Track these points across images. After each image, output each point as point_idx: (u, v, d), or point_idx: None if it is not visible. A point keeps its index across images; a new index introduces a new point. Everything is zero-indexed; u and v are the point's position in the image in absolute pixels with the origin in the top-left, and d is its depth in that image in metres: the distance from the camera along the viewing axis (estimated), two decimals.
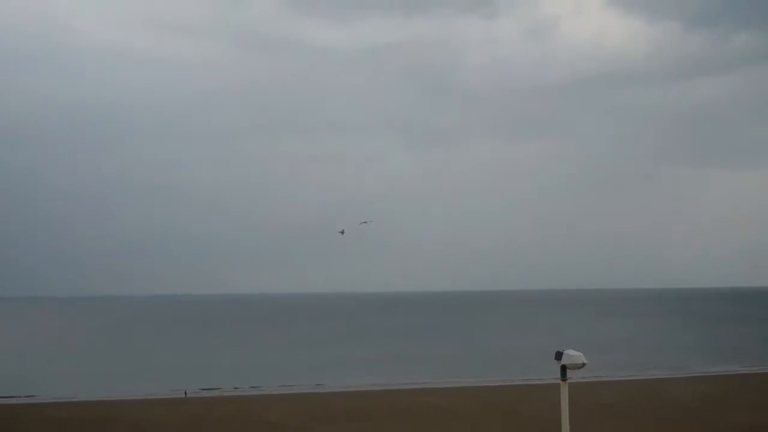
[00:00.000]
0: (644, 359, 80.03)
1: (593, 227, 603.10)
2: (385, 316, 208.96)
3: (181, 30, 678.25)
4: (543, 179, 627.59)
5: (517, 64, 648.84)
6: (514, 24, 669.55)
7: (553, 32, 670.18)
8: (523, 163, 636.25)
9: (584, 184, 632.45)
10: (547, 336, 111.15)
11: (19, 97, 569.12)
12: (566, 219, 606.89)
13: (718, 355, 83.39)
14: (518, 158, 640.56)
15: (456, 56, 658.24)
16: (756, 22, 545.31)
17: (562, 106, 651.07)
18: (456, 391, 55.19)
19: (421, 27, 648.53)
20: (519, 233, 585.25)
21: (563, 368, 15.84)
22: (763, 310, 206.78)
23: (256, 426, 39.57)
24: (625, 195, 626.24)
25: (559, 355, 15.90)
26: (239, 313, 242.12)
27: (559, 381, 15.95)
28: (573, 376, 15.96)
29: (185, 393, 56.53)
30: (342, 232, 65.35)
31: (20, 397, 56.68)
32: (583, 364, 15.78)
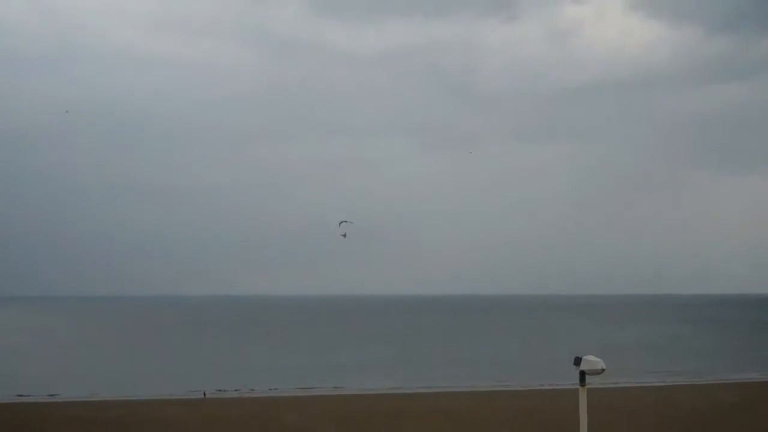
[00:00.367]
0: (662, 366, 79.67)
1: (611, 232, 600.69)
2: (400, 319, 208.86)
3: (202, 32, 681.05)
4: (561, 183, 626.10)
5: (538, 67, 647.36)
6: (535, 28, 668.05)
7: (575, 36, 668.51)
8: (541, 167, 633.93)
9: (603, 189, 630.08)
10: (564, 341, 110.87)
11: (30, 98, 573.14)
12: (583, 224, 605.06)
13: (736, 363, 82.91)
14: (537, 162, 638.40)
15: (476, 60, 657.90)
16: None
17: (583, 111, 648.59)
18: (473, 395, 55.19)
19: (442, 30, 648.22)
20: (537, 237, 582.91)
21: (582, 374, 15.90)
22: None
23: (273, 428, 39.76)
24: (644, 200, 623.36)
25: (578, 361, 15.96)
26: (255, 314, 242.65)
27: (578, 386, 16.01)
28: (592, 381, 16.01)
29: (204, 394, 56.86)
30: (344, 236, 65.83)
31: (35, 396, 57.15)
32: (602, 370, 15.83)
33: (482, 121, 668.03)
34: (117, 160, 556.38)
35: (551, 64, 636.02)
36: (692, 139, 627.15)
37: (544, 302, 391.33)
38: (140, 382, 66.02)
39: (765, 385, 61.20)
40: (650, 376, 68.92)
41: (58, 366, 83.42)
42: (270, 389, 61.15)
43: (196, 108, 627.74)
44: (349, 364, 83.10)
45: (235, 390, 59.71)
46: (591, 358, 15.86)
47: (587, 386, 15.65)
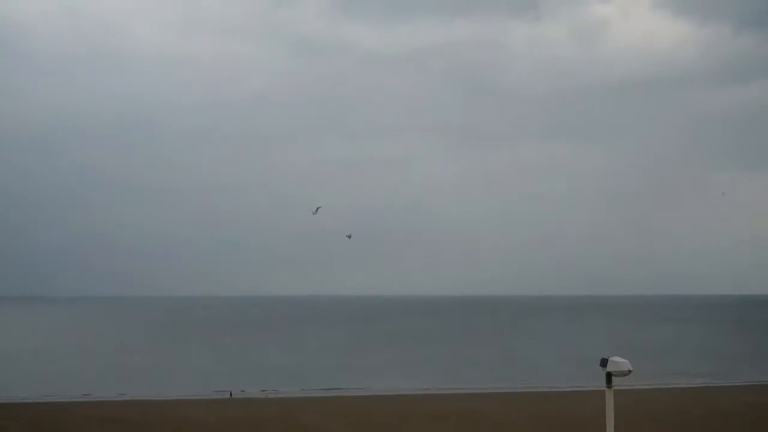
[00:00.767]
0: (689, 367, 79.01)
1: (637, 232, 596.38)
2: (423, 319, 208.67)
3: (224, 33, 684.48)
4: (587, 183, 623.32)
5: (563, 67, 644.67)
6: (560, 27, 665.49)
7: (600, 35, 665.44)
8: (566, 167, 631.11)
9: (630, 189, 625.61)
10: (589, 342, 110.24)
11: (52, 100, 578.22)
12: (610, 224, 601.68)
13: (764, 364, 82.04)
14: (562, 161, 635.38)
15: (501, 59, 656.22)
16: None
17: (608, 110, 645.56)
18: (498, 396, 54.96)
19: (466, 29, 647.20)
20: (562, 237, 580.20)
21: (608, 375, 15.78)
22: None
23: (298, 429, 39.77)
24: (670, 199, 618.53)
25: (604, 362, 15.84)
26: (280, 314, 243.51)
27: (604, 388, 15.87)
28: (618, 383, 15.86)
29: (230, 394, 57.08)
30: (349, 237, 66.10)
31: (62, 396, 57.61)
32: (629, 371, 15.71)
33: (507, 121, 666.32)
34: (141, 161, 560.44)
35: (577, 63, 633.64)
36: (719, 138, 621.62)
37: (570, 303, 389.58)
38: (166, 382, 66.40)
39: None
40: (678, 378, 68.32)
41: (84, 366, 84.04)
42: (293, 390, 61.23)
43: (221, 109, 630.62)
44: (371, 365, 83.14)
45: (263, 390, 59.84)
46: (617, 359, 15.74)
47: (614, 388, 15.50)
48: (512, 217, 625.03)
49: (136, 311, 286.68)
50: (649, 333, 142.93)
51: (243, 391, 59.21)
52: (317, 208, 56.83)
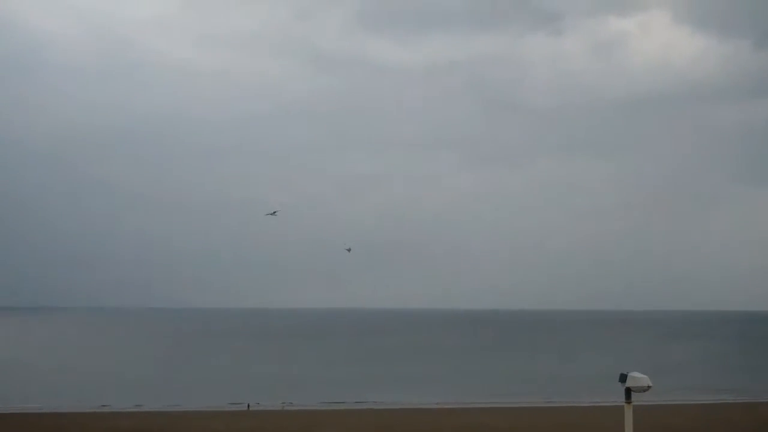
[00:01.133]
0: (709, 383, 78.33)
1: (656, 246, 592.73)
2: (444, 333, 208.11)
3: (243, 45, 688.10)
4: (606, 197, 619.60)
5: (583, 81, 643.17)
6: (579, 41, 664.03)
7: (620, 50, 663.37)
8: (586, 181, 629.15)
9: (647, 203, 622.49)
10: (609, 357, 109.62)
11: (81, 111, 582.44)
12: (627, 238, 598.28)
13: None
14: (580, 176, 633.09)
15: (521, 73, 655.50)
16: None
17: (628, 124, 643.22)
18: (516, 411, 54.65)
19: (486, 44, 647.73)
20: (581, 251, 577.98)
21: (628, 390, 15.68)
22: None
23: None
24: (689, 213, 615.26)
25: (623, 378, 15.75)
26: (302, 327, 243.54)
27: (623, 403, 15.78)
28: (638, 399, 15.76)
29: (248, 406, 57.10)
30: (349, 250, 66.19)
31: (80, 406, 57.82)
32: (648, 387, 15.60)
33: (527, 135, 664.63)
34: (161, 171, 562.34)
35: (595, 77, 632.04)
36: (737, 152, 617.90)
37: (589, 317, 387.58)
38: (184, 393, 66.50)
39: None
40: (698, 394, 67.73)
41: (102, 376, 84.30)
42: (311, 402, 61.15)
43: (242, 121, 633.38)
44: (390, 378, 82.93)
45: (282, 402, 59.78)
46: (637, 374, 15.65)
47: (633, 403, 15.40)
48: (529, 230, 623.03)
49: (150, 322, 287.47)
50: (668, 348, 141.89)
51: (258, 403, 59.14)
52: (274, 212, 57.25)
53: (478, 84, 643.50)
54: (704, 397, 65.29)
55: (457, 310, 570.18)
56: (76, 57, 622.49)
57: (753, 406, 58.37)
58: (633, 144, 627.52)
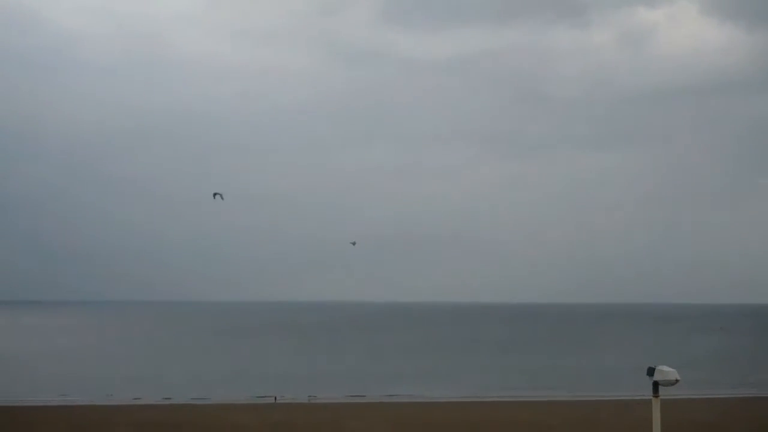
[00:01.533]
0: (739, 376, 77.76)
1: (682, 240, 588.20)
2: (468, 326, 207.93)
3: (271, 40, 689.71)
4: (633, 190, 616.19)
5: (610, 73, 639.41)
6: (606, 32, 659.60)
7: (648, 41, 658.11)
8: (613, 174, 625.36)
9: (676, 196, 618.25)
10: (636, 351, 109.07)
11: (102, 108, 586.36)
12: (656, 231, 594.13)
13: None
14: (608, 168, 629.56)
15: (547, 65, 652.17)
16: None
17: (655, 116, 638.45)
18: (541, 405, 54.57)
19: (512, 37, 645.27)
20: (609, 245, 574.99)
21: (655, 384, 15.64)
22: None
23: None
24: (717, 207, 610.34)
25: (651, 371, 15.72)
26: (325, 320, 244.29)
27: (651, 397, 15.75)
28: (665, 392, 15.72)
29: (275, 399, 57.37)
30: (353, 244, 66.21)
31: (103, 399, 58.39)
32: (676, 381, 15.56)
33: (554, 128, 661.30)
34: (192, 167, 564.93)
35: (623, 69, 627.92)
36: (766, 144, 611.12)
37: (617, 311, 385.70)
38: (211, 386, 66.96)
39: None
40: (728, 388, 67.24)
41: (131, 369, 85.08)
42: (338, 395, 61.38)
43: (266, 116, 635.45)
44: (417, 372, 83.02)
45: (309, 396, 60.08)
46: (664, 368, 15.61)
47: (661, 397, 15.37)
48: (554, 223, 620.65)
49: (172, 316, 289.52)
50: (695, 341, 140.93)
51: (284, 396, 59.43)
52: (216, 194, 57.32)
53: (503, 76, 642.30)
54: (732, 391, 64.79)
55: (482, 303, 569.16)
56: (103, 55, 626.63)
57: None
58: (661, 136, 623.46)
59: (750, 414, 48.17)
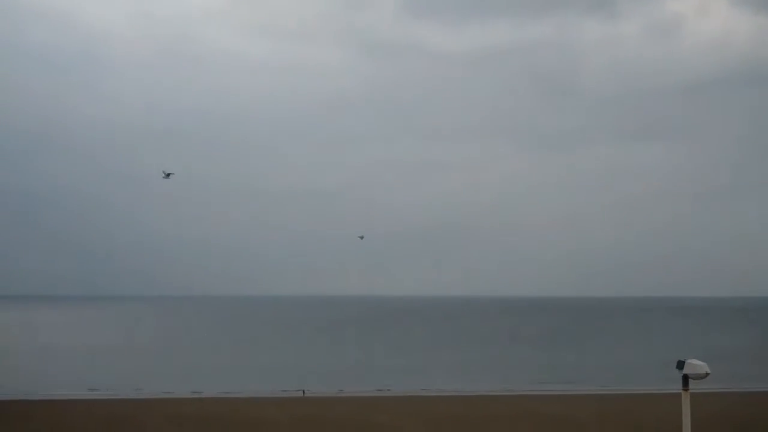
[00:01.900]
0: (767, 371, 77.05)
1: (714, 232, 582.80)
2: (496, 319, 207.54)
3: (298, 36, 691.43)
4: (664, 183, 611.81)
5: (639, 65, 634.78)
6: (635, 24, 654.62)
7: (677, 32, 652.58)
8: (645, 166, 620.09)
9: (707, 188, 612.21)
10: (666, 344, 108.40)
11: (133, 103, 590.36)
12: (683, 225, 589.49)
13: None
14: (638, 161, 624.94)
15: (576, 58, 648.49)
16: None
17: (685, 108, 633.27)
18: (571, 398, 54.41)
19: (540, 30, 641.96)
20: (641, 238, 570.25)
21: (685, 378, 15.56)
22: None
23: (372, 428, 39.90)
24: (749, 199, 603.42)
25: (681, 365, 15.63)
26: (354, 314, 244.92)
27: (681, 391, 15.66)
28: (695, 386, 15.62)
29: (303, 392, 57.58)
30: (362, 237, 66.11)
31: (134, 393, 58.89)
32: (706, 374, 15.47)
33: (584, 121, 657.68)
34: (222, 162, 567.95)
35: (652, 61, 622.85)
36: None
37: (647, 304, 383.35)
38: (240, 380, 67.37)
39: None
40: (756, 382, 66.60)
41: (159, 363, 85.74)
42: (366, 389, 61.52)
43: (296, 111, 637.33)
44: (443, 364, 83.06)
45: (339, 390, 60.26)
46: (694, 361, 15.52)
47: (690, 391, 15.28)
48: (584, 217, 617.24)
49: (194, 310, 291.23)
50: (725, 335, 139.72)
51: (310, 391, 59.61)
52: (168, 174, 57.65)
53: (531, 70, 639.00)
54: (763, 386, 64.16)
55: (509, 297, 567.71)
56: (127, 51, 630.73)
57: None
58: (691, 128, 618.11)
59: None
